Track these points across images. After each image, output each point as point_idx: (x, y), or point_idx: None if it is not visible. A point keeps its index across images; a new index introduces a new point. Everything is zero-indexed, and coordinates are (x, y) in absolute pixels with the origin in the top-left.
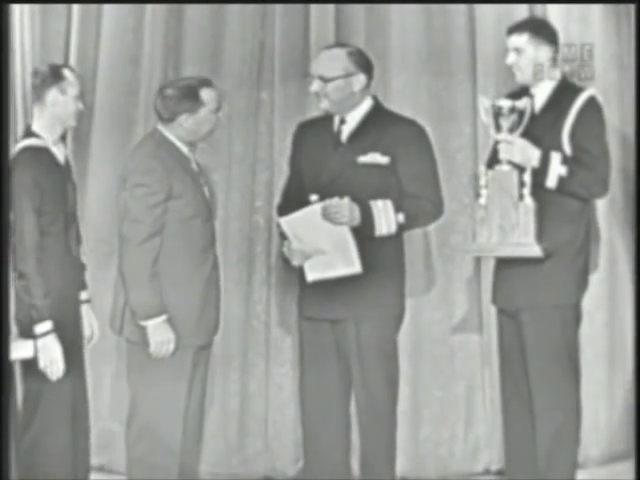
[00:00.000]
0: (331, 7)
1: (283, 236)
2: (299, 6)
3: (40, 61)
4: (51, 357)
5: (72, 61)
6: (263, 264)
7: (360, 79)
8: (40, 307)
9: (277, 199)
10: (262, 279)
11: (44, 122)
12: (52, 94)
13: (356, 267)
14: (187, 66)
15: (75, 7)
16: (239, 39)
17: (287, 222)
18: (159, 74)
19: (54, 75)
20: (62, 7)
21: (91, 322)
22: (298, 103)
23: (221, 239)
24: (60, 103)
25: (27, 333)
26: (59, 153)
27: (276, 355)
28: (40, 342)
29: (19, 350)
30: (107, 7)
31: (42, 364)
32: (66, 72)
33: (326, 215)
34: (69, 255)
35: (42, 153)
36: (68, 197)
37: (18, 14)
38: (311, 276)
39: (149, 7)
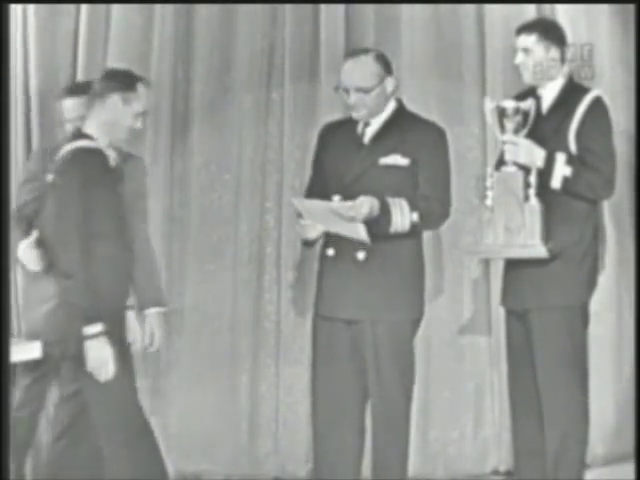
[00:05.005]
0: (341, 8)
1: (298, 215)
2: (309, 6)
3: (48, 60)
4: (101, 359)
5: (80, 60)
6: (273, 264)
7: (390, 81)
8: (88, 309)
9: (287, 200)
10: (272, 279)
11: (98, 125)
12: (114, 99)
13: (363, 238)
14: (196, 66)
15: (83, 6)
16: (249, 39)
17: (301, 202)
18: (168, 73)
19: (125, 83)
20: (71, 6)
21: (134, 328)
22: (308, 103)
23: (231, 240)
24: (119, 110)
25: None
26: (112, 156)
27: (287, 356)
28: (89, 343)
29: (23, 352)
30: (115, 6)
31: (91, 365)
32: (139, 86)
33: (342, 216)
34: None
35: (95, 155)
36: (119, 201)
37: (21, 13)
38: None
39: (158, 6)
